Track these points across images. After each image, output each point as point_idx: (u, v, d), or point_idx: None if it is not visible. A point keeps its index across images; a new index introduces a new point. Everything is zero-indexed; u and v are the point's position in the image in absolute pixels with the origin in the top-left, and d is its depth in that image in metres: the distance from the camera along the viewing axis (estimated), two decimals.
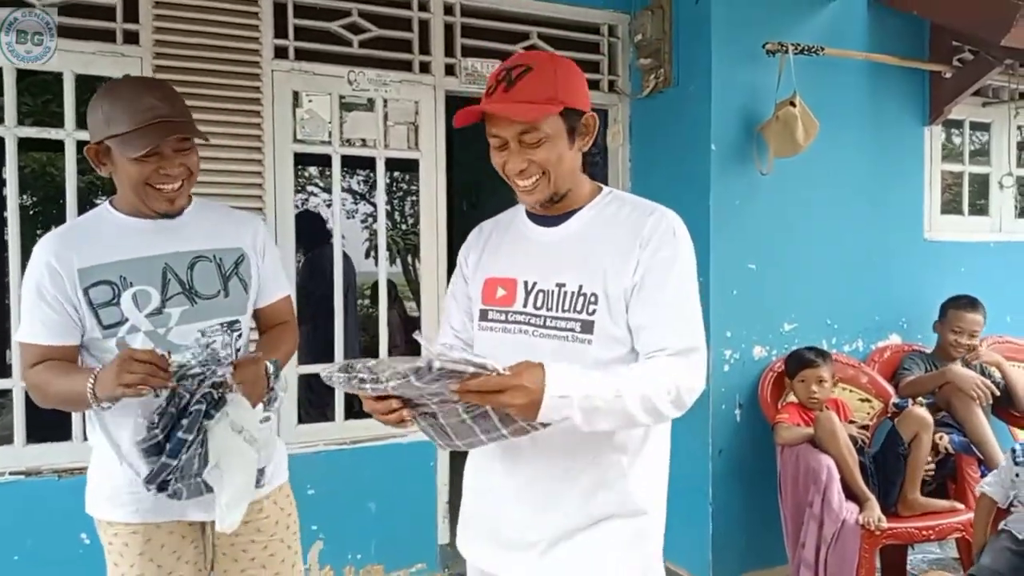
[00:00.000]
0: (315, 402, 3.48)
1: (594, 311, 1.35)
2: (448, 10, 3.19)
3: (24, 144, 2.67)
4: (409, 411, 1.25)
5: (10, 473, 2.58)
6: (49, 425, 2.63)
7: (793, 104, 2.99)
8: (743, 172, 3.14)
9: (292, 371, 2.96)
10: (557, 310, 1.38)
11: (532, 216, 1.49)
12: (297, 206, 3.03)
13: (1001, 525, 2.45)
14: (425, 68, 3.16)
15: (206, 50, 2.74)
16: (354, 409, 3.11)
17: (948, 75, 3.49)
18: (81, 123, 2.68)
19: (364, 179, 10.82)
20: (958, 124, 3.95)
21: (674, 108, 3.28)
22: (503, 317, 1.44)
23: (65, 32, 2.62)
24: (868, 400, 3.22)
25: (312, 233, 3.98)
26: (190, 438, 1.50)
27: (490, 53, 3.24)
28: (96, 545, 1.71)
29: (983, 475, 2.76)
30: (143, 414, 1.56)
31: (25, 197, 6.87)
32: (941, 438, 2.95)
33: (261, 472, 1.68)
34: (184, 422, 1.51)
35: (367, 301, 6.84)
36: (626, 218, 1.40)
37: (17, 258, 2.56)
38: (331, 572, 3.03)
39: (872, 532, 2.67)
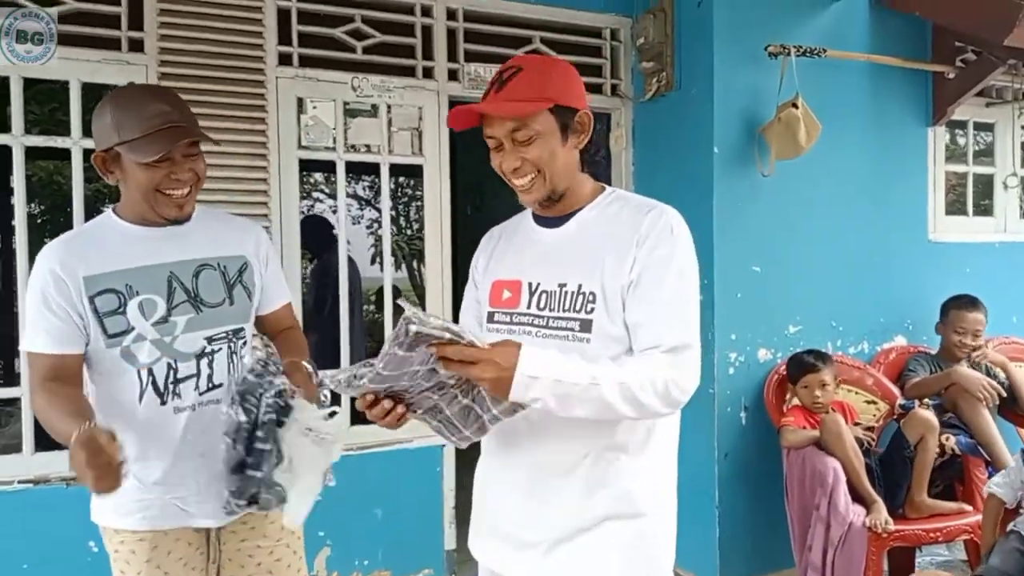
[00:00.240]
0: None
1: (592, 310, 1.35)
2: (451, 15, 3.20)
3: (31, 153, 2.68)
4: (408, 410, 1.29)
5: (19, 482, 2.59)
6: None
7: (795, 106, 2.99)
8: (746, 174, 3.14)
9: None
10: (559, 310, 1.39)
11: (536, 218, 1.51)
12: (303, 212, 3.04)
13: (1010, 526, 2.44)
14: (428, 73, 3.17)
15: (211, 57, 2.76)
16: (360, 415, 3.11)
17: (951, 76, 3.49)
18: (87, 131, 2.69)
19: (369, 185, 10.85)
20: (962, 125, 3.94)
21: (676, 111, 3.29)
22: (508, 319, 1.46)
23: (70, 40, 2.63)
24: (874, 402, 3.22)
25: (319, 239, 4.00)
26: (268, 448, 1.52)
27: (493, 58, 3.25)
28: (104, 553, 1.70)
29: (990, 476, 2.75)
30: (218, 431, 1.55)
31: (33, 206, 6.92)
32: (948, 439, 2.94)
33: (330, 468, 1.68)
34: (260, 434, 1.53)
35: (372, 307, 6.85)
36: (626, 216, 1.40)
37: (25, 267, 2.57)
38: None
39: (879, 534, 2.66)
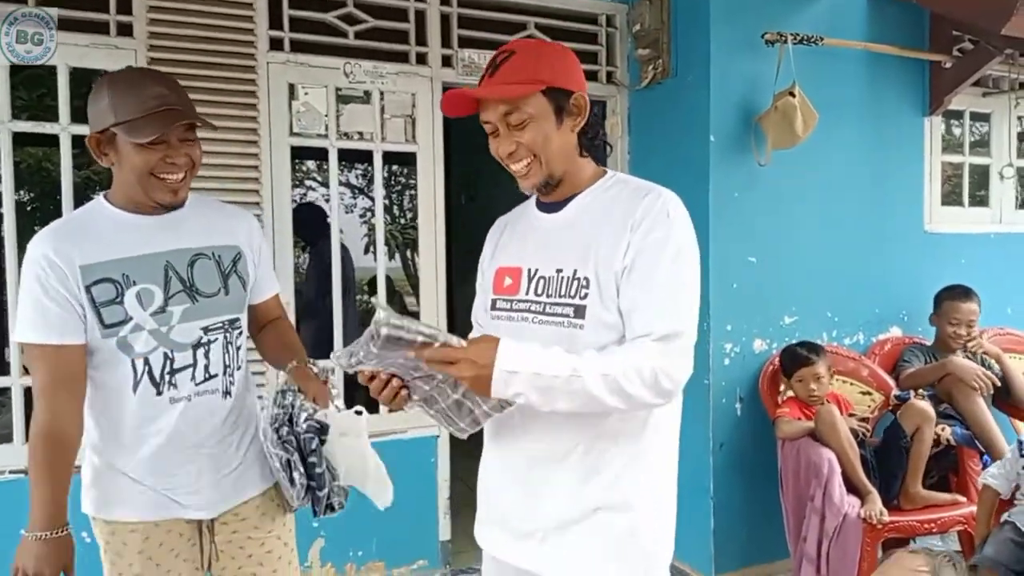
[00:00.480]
0: None
1: (586, 295, 1.34)
2: (445, 0, 3.16)
3: (21, 139, 2.64)
4: (407, 391, 1.32)
5: (10, 472, 2.57)
6: None
7: (792, 95, 2.97)
8: (742, 163, 3.12)
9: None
10: (555, 296, 1.38)
11: (539, 204, 1.50)
12: (295, 200, 3.01)
13: (1004, 517, 2.45)
14: (422, 59, 3.14)
15: (201, 42, 2.72)
16: (354, 405, 3.10)
17: (948, 65, 3.47)
18: (76, 117, 2.66)
19: (362, 173, 10.80)
20: (958, 115, 3.93)
21: (672, 99, 3.27)
22: (508, 306, 1.45)
23: (59, 24, 2.59)
24: (869, 393, 3.21)
25: (313, 227, 3.97)
26: (322, 469, 1.67)
27: (487, 44, 3.22)
28: (97, 543, 1.68)
29: (985, 467, 2.75)
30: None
31: (23, 193, 6.85)
32: (943, 430, 2.94)
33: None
34: (312, 459, 1.66)
35: (365, 296, 6.82)
36: (624, 200, 1.38)
37: (14, 255, 2.53)
38: (332, 569, 3.02)
39: (874, 525, 2.66)
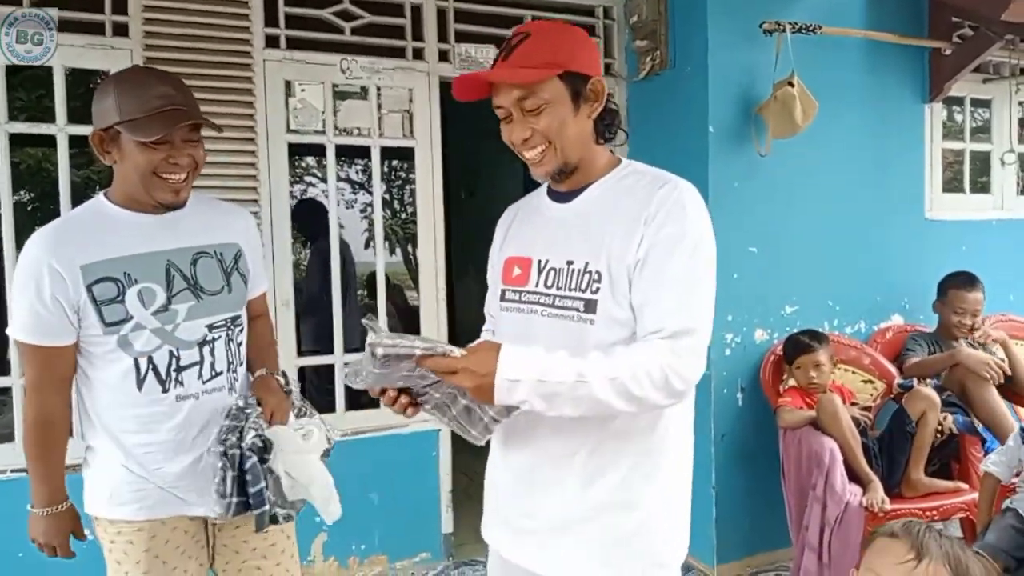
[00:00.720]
0: (316, 393, 3.47)
1: (597, 290, 1.29)
2: None
3: (19, 140, 2.65)
4: (417, 402, 1.31)
5: (11, 471, 2.58)
6: None
7: (791, 84, 2.96)
8: (742, 154, 3.11)
9: (292, 363, 2.95)
10: (565, 288, 1.33)
11: (551, 192, 1.45)
12: (294, 197, 3.01)
13: (1006, 503, 2.45)
14: (418, 55, 3.13)
15: (196, 41, 2.72)
16: (354, 401, 3.11)
17: (948, 52, 3.45)
18: (73, 118, 2.66)
19: (361, 168, 10.78)
20: (959, 101, 3.91)
21: (671, 90, 3.25)
22: (517, 297, 1.42)
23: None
24: (871, 381, 3.21)
25: (313, 223, 3.97)
26: (262, 485, 1.62)
27: (484, 38, 3.21)
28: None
29: (987, 455, 2.75)
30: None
31: (22, 193, 6.86)
32: (945, 418, 2.94)
33: (326, 452, 1.80)
34: (249, 476, 1.62)
35: (365, 291, 6.83)
36: (638, 191, 1.33)
37: (12, 255, 2.54)
38: (335, 563, 3.04)
39: (876, 514, 2.66)
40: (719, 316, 3.11)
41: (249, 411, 1.68)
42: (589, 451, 1.33)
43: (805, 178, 3.25)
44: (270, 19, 2.88)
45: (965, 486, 2.88)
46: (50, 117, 2.69)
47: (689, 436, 1.43)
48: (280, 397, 1.76)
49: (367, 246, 10.25)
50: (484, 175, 5.78)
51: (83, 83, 4.18)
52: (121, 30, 2.67)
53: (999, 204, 3.91)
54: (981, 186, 3.98)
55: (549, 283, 1.36)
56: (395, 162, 9.91)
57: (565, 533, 1.36)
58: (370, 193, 3.40)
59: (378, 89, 3.06)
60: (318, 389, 3.50)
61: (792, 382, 3.04)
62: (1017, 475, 2.48)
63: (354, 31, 3.02)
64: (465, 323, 5.81)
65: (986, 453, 2.84)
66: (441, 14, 3.16)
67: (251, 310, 1.87)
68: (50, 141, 2.75)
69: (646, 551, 1.36)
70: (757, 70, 3.08)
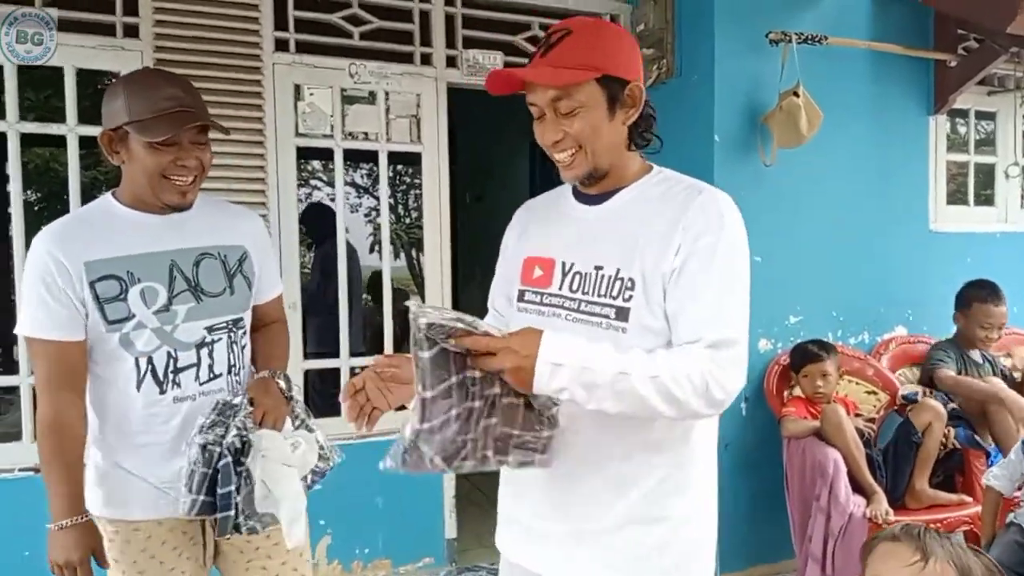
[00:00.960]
0: (321, 396, 3.48)
1: (630, 297, 1.25)
2: (449, 1, 3.17)
3: (27, 139, 2.66)
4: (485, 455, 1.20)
5: (19, 470, 2.59)
6: None
7: (796, 94, 2.97)
8: (747, 163, 3.12)
9: (297, 367, 2.95)
10: (593, 294, 1.29)
11: (576, 193, 1.40)
12: (300, 200, 3.02)
13: (1009, 518, 2.44)
14: (427, 60, 3.14)
15: (206, 43, 2.74)
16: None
17: (953, 64, 3.46)
18: (83, 118, 2.67)
19: (367, 173, 10.82)
20: (963, 113, 3.92)
21: (677, 98, 3.26)
22: (538, 299, 1.37)
23: (65, 26, 2.61)
24: (874, 392, 3.21)
25: (319, 227, 3.98)
26: (232, 488, 1.56)
27: (492, 44, 3.23)
28: None
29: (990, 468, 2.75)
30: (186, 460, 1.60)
31: (29, 193, 6.88)
32: (949, 431, 2.94)
33: (321, 472, 1.75)
34: (219, 478, 1.56)
35: (369, 296, 6.83)
36: (672, 198, 1.30)
37: (21, 254, 2.55)
38: (339, 566, 3.03)
39: (879, 525, 2.66)
40: None
41: (238, 408, 1.62)
42: (620, 459, 1.29)
43: (810, 188, 3.25)
44: (280, 23, 2.90)
45: (969, 499, 2.88)
46: (58, 117, 2.70)
47: (715, 451, 1.39)
48: (278, 401, 1.70)
49: (371, 250, 10.25)
50: (492, 179, 5.78)
51: (93, 83, 4.20)
52: (132, 32, 2.69)
53: (1003, 217, 3.91)
54: (985, 199, 3.99)
55: (575, 287, 1.32)
56: (399, 166, 9.95)
57: (589, 542, 1.31)
58: (375, 197, 3.42)
59: (386, 94, 3.07)
60: (321, 394, 3.51)
61: (797, 392, 3.04)
62: (1020, 488, 2.48)
63: (363, 36, 3.04)
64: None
65: (990, 466, 2.84)
66: (449, 20, 3.17)
67: (266, 314, 1.86)
68: (56, 141, 2.76)
69: (669, 567, 1.31)
70: (763, 80, 3.10)
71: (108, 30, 2.68)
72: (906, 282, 3.51)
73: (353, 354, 3.15)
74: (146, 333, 1.59)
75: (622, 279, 1.27)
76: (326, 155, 3.24)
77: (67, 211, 2.61)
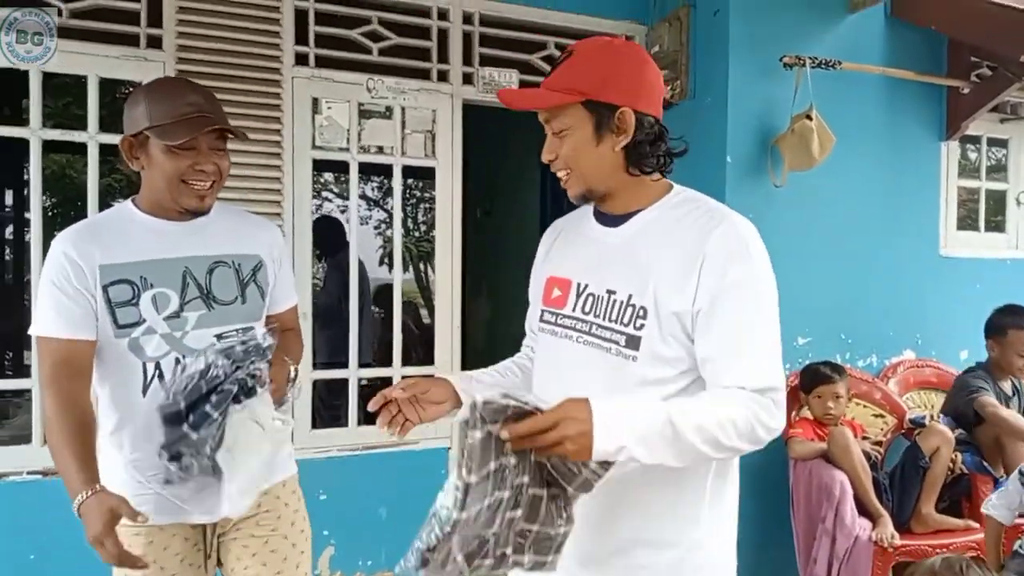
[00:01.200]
0: (328, 407, 3.49)
1: (642, 326, 1.23)
2: (467, 19, 3.21)
3: (44, 146, 2.70)
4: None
5: (27, 472, 2.60)
6: None
7: (809, 117, 2.99)
8: (758, 185, 3.14)
9: (306, 376, 2.97)
10: (604, 318, 1.28)
11: (598, 214, 1.38)
12: (312, 212, 3.05)
13: (1015, 547, 2.43)
14: (443, 77, 3.18)
15: (228, 56, 2.78)
16: (368, 415, 3.12)
17: (966, 91, 3.48)
18: (104, 126, 2.71)
19: (378, 186, 10.89)
20: (975, 140, 3.93)
21: (690, 120, 3.28)
22: (554, 319, 1.37)
23: (90, 36, 2.65)
24: (882, 416, 3.21)
25: (331, 239, 4.02)
26: (215, 415, 1.50)
27: (508, 63, 3.26)
28: None
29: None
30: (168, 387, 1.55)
31: (44, 198, 6.95)
32: (956, 457, 2.93)
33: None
34: (213, 398, 1.50)
35: (378, 308, 6.86)
36: (691, 224, 1.26)
37: (39, 259, 2.58)
38: None
39: (885, 549, 2.65)
40: None
41: (263, 354, 1.58)
42: (637, 478, 1.24)
43: (820, 210, 3.27)
44: (300, 37, 2.94)
45: (975, 524, 2.86)
46: (77, 124, 2.74)
47: (735, 470, 1.37)
48: (284, 377, 1.71)
49: (381, 263, 10.28)
50: (502, 194, 5.81)
51: (113, 92, 4.26)
52: (155, 43, 2.73)
53: (1013, 243, 3.91)
54: (995, 225, 3.99)
55: (586, 310, 1.31)
56: (410, 180, 10.00)
57: (596, 565, 1.29)
58: (385, 210, 3.44)
59: (402, 109, 3.11)
60: (326, 404, 3.53)
61: (804, 413, 3.03)
62: (1021, 516, 2.47)
63: (381, 52, 3.08)
64: (475, 342, 5.83)
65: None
66: (467, 38, 3.21)
67: (280, 325, 1.85)
68: (75, 147, 2.80)
69: None
70: (776, 102, 3.12)
71: (132, 40, 2.72)
72: (915, 306, 3.51)
73: (361, 365, 3.16)
74: (155, 338, 1.60)
75: (634, 306, 1.25)
76: (341, 168, 3.27)
77: (82, 217, 2.66)
